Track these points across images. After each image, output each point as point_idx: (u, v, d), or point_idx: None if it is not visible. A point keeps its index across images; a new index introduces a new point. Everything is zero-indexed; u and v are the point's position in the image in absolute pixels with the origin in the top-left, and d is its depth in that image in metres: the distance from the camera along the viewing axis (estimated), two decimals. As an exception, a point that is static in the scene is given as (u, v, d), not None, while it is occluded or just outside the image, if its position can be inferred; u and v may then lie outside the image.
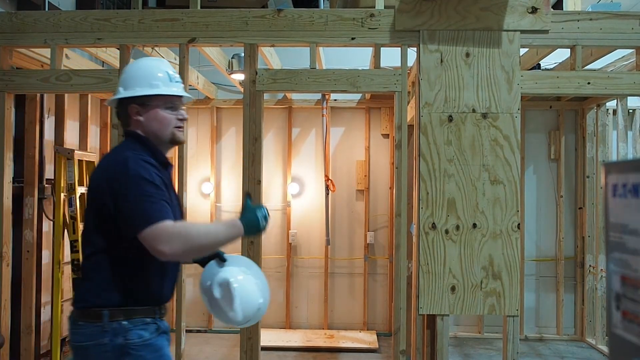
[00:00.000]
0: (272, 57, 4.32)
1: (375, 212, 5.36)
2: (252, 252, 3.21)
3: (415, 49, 3.30)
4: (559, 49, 3.77)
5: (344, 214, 5.38)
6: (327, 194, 5.09)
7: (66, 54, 3.62)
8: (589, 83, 3.24)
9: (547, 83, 3.25)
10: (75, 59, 3.87)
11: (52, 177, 4.02)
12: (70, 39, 3.31)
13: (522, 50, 3.65)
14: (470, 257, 3.15)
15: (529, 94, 3.36)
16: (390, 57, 3.61)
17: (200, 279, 1.90)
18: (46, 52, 3.61)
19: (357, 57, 4.82)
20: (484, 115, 3.19)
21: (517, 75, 3.20)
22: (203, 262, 1.91)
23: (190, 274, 4.66)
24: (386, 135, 5.38)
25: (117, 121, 1.95)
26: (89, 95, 4.54)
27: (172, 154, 3.86)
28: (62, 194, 3.84)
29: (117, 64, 3.60)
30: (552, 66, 4.64)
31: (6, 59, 3.37)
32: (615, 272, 0.92)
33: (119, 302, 1.70)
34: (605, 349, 4.71)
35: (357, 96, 5.31)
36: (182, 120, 1.87)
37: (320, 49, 4.23)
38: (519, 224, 3.16)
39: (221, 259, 1.88)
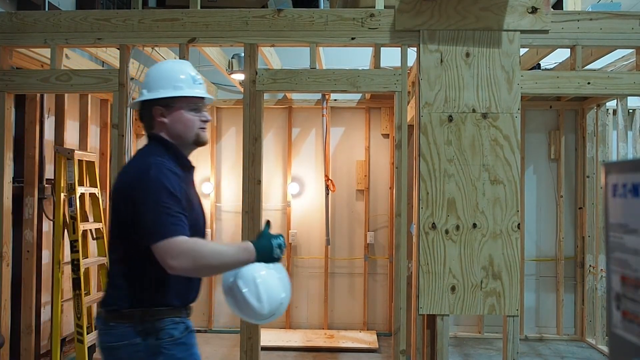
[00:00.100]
0: (272, 57, 4.32)
1: (375, 212, 5.36)
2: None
3: (415, 49, 3.30)
4: (559, 49, 3.77)
5: (344, 214, 5.38)
6: (327, 194, 5.09)
7: (66, 54, 3.62)
8: (589, 83, 3.24)
9: (547, 83, 3.25)
10: (75, 59, 3.88)
11: (52, 177, 4.02)
12: (70, 39, 3.31)
13: (522, 50, 3.65)
14: (470, 257, 3.15)
15: (529, 94, 3.36)
16: (390, 57, 3.61)
17: (222, 277, 1.91)
18: (46, 52, 3.61)
19: (357, 57, 4.81)
20: (484, 115, 3.19)
21: (517, 75, 3.20)
22: None
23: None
24: (386, 135, 5.38)
25: (138, 123, 1.95)
26: (89, 95, 4.54)
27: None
28: (62, 194, 3.84)
29: (117, 64, 3.60)
30: (552, 66, 4.64)
31: (6, 59, 3.37)
32: (615, 272, 0.92)
33: (148, 304, 1.73)
34: (605, 349, 4.70)
35: (357, 96, 5.30)
36: (205, 121, 1.88)
37: (320, 49, 4.23)
38: (519, 224, 3.16)
39: None
